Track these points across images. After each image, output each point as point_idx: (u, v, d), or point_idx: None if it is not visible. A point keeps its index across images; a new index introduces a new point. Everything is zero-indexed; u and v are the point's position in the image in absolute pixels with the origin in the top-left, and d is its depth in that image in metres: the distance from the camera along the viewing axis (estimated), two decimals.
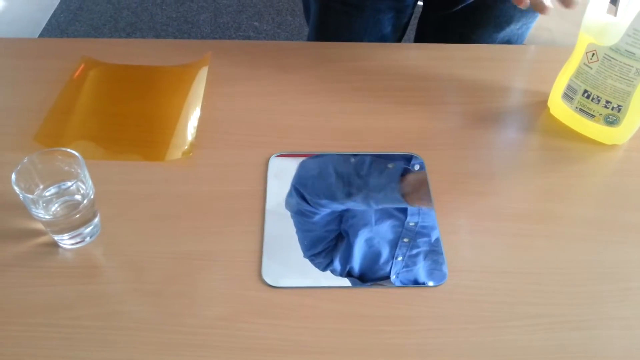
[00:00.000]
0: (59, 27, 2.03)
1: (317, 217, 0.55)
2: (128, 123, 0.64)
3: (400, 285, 0.51)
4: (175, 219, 0.56)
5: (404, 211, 0.56)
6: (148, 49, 0.76)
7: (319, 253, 0.53)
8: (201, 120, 0.66)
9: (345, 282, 0.51)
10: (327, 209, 0.56)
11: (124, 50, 0.76)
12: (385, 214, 0.56)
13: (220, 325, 0.48)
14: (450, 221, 0.56)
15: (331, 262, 0.52)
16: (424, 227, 0.55)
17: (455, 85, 0.72)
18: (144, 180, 0.59)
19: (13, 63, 0.74)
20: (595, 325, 0.49)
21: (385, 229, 0.55)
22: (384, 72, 0.73)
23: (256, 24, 2.05)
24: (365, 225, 0.55)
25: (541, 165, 0.62)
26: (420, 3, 0.91)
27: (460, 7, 0.83)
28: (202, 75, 0.70)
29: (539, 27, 1.75)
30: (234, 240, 0.54)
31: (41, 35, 1.98)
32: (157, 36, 2.00)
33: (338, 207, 0.56)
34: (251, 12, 2.10)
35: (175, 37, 1.99)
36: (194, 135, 0.64)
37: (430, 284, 0.51)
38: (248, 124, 0.66)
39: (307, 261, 0.52)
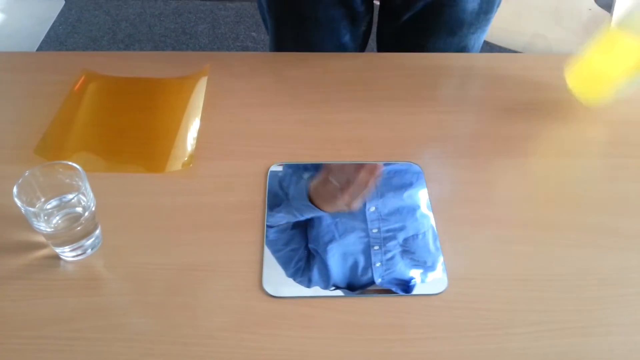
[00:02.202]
0: (57, 39, 2.04)
1: (274, 235, 0.55)
2: (128, 135, 0.65)
3: (388, 286, 0.51)
4: (176, 230, 0.56)
5: (363, 220, 0.56)
6: (147, 62, 0.77)
7: (295, 273, 0.53)
8: (201, 131, 0.66)
9: (346, 291, 0.51)
10: (276, 226, 0.56)
11: (123, 63, 0.76)
12: (347, 226, 0.56)
13: (223, 336, 0.48)
14: (450, 229, 0.57)
15: (310, 280, 0.52)
16: (388, 230, 0.55)
17: (452, 94, 0.73)
18: (144, 192, 0.60)
19: (12, 77, 0.74)
20: (595, 332, 0.49)
21: (353, 241, 0.55)
22: (381, 82, 0.74)
23: (254, 34, 2.06)
24: (330, 240, 0.55)
25: (540, 173, 0.63)
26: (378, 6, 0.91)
27: (408, 16, 0.83)
28: (201, 87, 0.71)
29: (535, 34, 1.76)
30: (234, 251, 0.54)
31: (40, 48, 1.99)
32: (156, 47, 2.01)
33: (279, 221, 0.56)
34: (249, 22, 2.12)
35: (173, 48, 2.00)
36: (194, 146, 0.64)
37: (426, 289, 0.52)
38: (247, 135, 0.66)
39: (300, 287, 0.52)
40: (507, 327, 0.50)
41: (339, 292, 0.51)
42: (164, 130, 0.65)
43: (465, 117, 0.70)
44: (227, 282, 0.52)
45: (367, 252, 0.54)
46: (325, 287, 0.52)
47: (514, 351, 0.48)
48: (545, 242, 0.56)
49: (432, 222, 0.57)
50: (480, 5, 0.72)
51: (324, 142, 0.65)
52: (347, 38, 0.88)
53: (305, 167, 0.62)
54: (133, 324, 0.49)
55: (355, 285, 0.52)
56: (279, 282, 0.52)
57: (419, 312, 0.50)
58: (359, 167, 0.58)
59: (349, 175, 0.58)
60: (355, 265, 0.53)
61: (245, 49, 2.00)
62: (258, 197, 0.59)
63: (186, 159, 0.62)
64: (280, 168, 0.62)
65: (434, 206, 0.58)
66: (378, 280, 0.52)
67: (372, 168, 0.59)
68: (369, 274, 0.52)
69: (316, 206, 0.56)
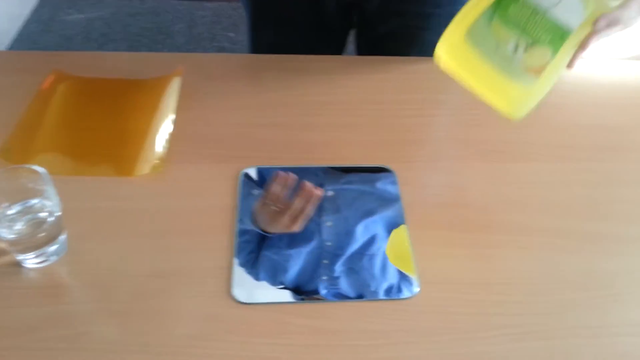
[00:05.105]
0: (29, 37, 1.99)
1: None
2: (96, 137, 0.64)
3: (333, 299, 0.51)
4: (145, 235, 0.55)
5: (319, 232, 0.56)
6: (121, 62, 0.75)
7: (246, 263, 0.53)
8: (173, 134, 0.65)
9: (318, 296, 0.51)
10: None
11: (96, 63, 0.75)
12: (306, 234, 0.55)
13: (191, 344, 0.47)
14: (422, 233, 0.57)
15: (258, 274, 0.52)
16: (339, 247, 0.55)
17: (427, 98, 0.73)
18: (113, 197, 0.58)
19: None
20: (562, 335, 0.50)
21: (309, 250, 0.54)
22: (357, 86, 0.74)
23: (231, 34, 2.05)
24: (287, 244, 0.55)
25: (511, 177, 0.63)
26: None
27: (385, 31, 0.83)
28: (174, 89, 0.70)
29: None
30: (204, 257, 0.53)
31: (12, 46, 1.95)
32: (131, 47, 1.98)
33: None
34: (226, 23, 2.10)
35: (149, 48, 1.98)
36: (165, 149, 0.63)
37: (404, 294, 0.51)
38: (220, 138, 0.65)
39: (248, 281, 0.52)
40: (477, 330, 0.50)
41: (310, 298, 0.51)
42: (134, 132, 0.64)
43: (440, 120, 0.70)
44: (195, 289, 0.51)
45: (317, 263, 0.54)
46: (274, 284, 0.51)
47: (484, 355, 0.48)
48: (513, 246, 0.56)
49: (385, 246, 0.55)
50: None
51: (298, 146, 0.65)
52: (323, 43, 0.87)
53: (264, 175, 0.61)
54: (98, 333, 0.48)
55: (302, 290, 0.51)
56: (248, 288, 0.51)
57: (391, 317, 0.50)
58: (300, 190, 0.58)
59: (288, 199, 0.57)
60: (304, 271, 0.53)
61: (221, 49, 1.99)
62: (230, 201, 0.58)
63: (156, 162, 0.61)
64: (253, 172, 0.61)
65: (406, 210, 0.58)
66: (323, 292, 0.52)
67: (311, 192, 0.58)
68: (315, 284, 0.52)
69: (259, 227, 0.55)
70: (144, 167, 0.60)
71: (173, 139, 0.65)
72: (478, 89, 0.53)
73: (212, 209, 0.57)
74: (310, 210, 0.57)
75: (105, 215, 0.56)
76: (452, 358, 0.48)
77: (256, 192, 0.59)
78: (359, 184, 0.61)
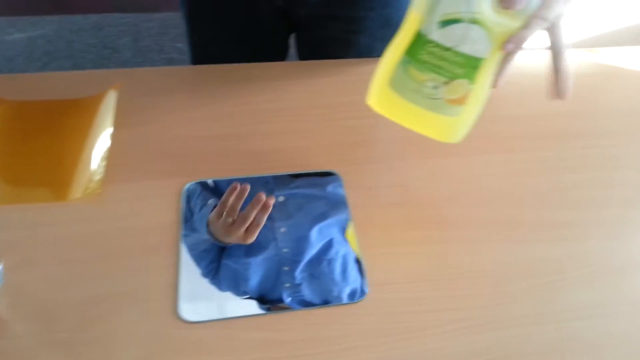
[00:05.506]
0: None
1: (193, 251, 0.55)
2: (27, 162, 0.61)
3: (298, 306, 0.51)
4: (86, 261, 0.53)
5: (274, 238, 0.56)
6: (62, 82, 0.72)
7: (208, 273, 0.52)
8: (111, 153, 0.63)
9: (264, 309, 0.50)
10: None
11: (37, 84, 0.72)
12: (262, 243, 0.55)
13: None
14: (368, 235, 0.57)
15: (221, 284, 0.52)
16: (297, 253, 0.55)
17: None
18: (49, 223, 0.56)
19: None
20: (512, 324, 0.51)
21: (267, 257, 0.54)
22: (301, 91, 0.73)
23: (179, 45, 2.02)
24: (245, 253, 0.54)
25: (453, 171, 0.64)
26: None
27: (322, 36, 0.84)
28: (108, 107, 0.67)
29: None
30: (148, 277, 0.52)
31: None
32: (76, 64, 1.93)
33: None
34: (173, 33, 2.07)
35: (95, 64, 1.93)
36: (103, 170, 0.61)
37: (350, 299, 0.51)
38: (161, 154, 0.64)
39: (214, 294, 0.51)
40: (426, 328, 0.50)
41: (256, 311, 0.50)
42: (66, 155, 0.62)
43: (384, 121, 0.70)
44: (141, 311, 0.50)
45: (278, 270, 0.53)
46: (237, 295, 0.51)
47: (436, 352, 0.48)
48: (459, 240, 0.57)
49: (346, 248, 0.56)
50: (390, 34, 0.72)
51: (242, 156, 0.64)
52: (264, 48, 0.87)
53: (219, 185, 0.60)
54: None
55: (266, 299, 0.51)
56: (195, 306, 0.50)
57: (341, 322, 0.50)
58: (255, 201, 0.58)
59: (240, 209, 0.57)
60: (266, 279, 0.52)
61: (170, 60, 1.96)
62: (173, 217, 0.57)
63: (93, 183, 0.59)
64: (197, 187, 0.60)
65: (353, 213, 0.58)
66: (288, 300, 0.51)
67: (264, 202, 0.58)
68: (279, 292, 0.52)
69: (215, 238, 0.55)
70: (79, 191, 0.59)
71: (112, 157, 0.63)
72: (412, 128, 0.57)
73: (155, 227, 0.56)
74: (263, 219, 0.56)
75: (43, 243, 0.54)
76: (405, 357, 0.48)
77: (211, 202, 0.58)
78: (309, 188, 0.61)
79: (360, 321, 0.50)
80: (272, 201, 0.58)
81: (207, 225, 0.56)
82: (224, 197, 0.58)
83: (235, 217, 0.56)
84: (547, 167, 0.66)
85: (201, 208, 0.57)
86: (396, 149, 0.66)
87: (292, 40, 0.93)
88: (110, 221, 0.56)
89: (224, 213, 0.57)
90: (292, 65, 0.78)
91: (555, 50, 0.51)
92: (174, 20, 2.13)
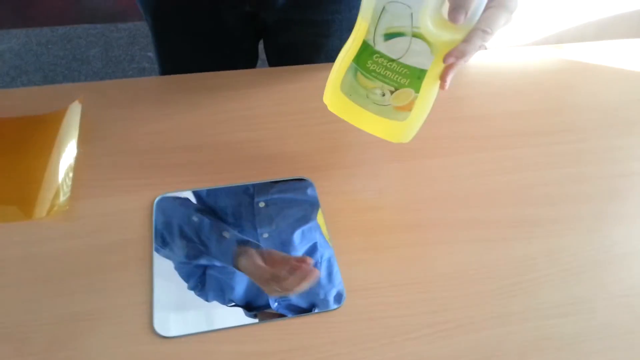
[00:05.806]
0: None
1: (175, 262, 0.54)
2: None
3: (285, 312, 0.50)
4: (56, 280, 0.52)
5: (257, 246, 0.55)
6: (28, 98, 0.70)
7: (195, 286, 0.52)
8: (77, 169, 0.62)
9: (242, 320, 0.50)
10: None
11: (1, 102, 0.70)
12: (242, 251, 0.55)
13: None
14: (344, 241, 0.56)
15: (208, 295, 0.51)
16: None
17: None
18: (16, 243, 0.55)
19: None
20: (490, 325, 0.51)
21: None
22: (269, 98, 0.73)
23: (150, 54, 2.00)
24: (229, 261, 0.54)
25: (424, 174, 0.64)
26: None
27: (289, 40, 0.84)
28: (73, 121, 0.66)
29: None
30: (121, 294, 0.51)
31: None
32: (45, 77, 1.89)
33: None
34: (144, 42, 2.05)
35: (65, 77, 1.90)
36: (69, 186, 0.60)
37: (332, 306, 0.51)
38: (130, 167, 0.63)
39: (199, 305, 0.50)
40: (406, 332, 0.50)
41: (234, 322, 0.49)
42: (29, 173, 0.60)
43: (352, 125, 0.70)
44: (115, 329, 0.49)
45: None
46: (224, 303, 0.50)
47: (416, 355, 0.48)
48: (434, 242, 0.57)
49: (330, 251, 0.55)
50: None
51: (213, 166, 0.63)
52: (232, 54, 0.86)
53: (197, 196, 0.59)
54: None
55: (253, 306, 0.50)
56: (171, 321, 0.49)
57: (320, 330, 0.50)
58: (297, 258, 0.55)
59: (278, 263, 0.54)
60: (252, 286, 0.52)
61: (142, 70, 1.93)
62: (145, 232, 0.56)
63: (60, 201, 0.58)
64: (169, 198, 0.59)
65: (327, 220, 0.58)
66: (274, 305, 0.51)
67: (305, 268, 0.54)
68: (265, 299, 0.51)
69: (235, 266, 0.54)
70: (44, 208, 0.57)
71: (79, 173, 0.61)
72: (363, 129, 0.60)
73: (127, 242, 0.55)
74: (306, 285, 0.53)
75: (11, 264, 0.53)
76: None
77: (195, 218, 0.57)
78: (288, 192, 0.60)
79: (337, 329, 0.50)
80: (316, 274, 0.54)
81: (235, 265, 0.54)
82: (256, 247, 0.55)
83: (274, 269, 0.54)
84: (518, 165, 0.66)
85: (219, 242, 0.55)
86: (370, 153, 0.66)
87: (261, 47, 0.93)
88: (79, 238, 0.55)
89: (257, 262, 0.54)
90: (262, 72, 0.77)
91: (449, 70, 0.51)
92: (143, 29, 2.10)
